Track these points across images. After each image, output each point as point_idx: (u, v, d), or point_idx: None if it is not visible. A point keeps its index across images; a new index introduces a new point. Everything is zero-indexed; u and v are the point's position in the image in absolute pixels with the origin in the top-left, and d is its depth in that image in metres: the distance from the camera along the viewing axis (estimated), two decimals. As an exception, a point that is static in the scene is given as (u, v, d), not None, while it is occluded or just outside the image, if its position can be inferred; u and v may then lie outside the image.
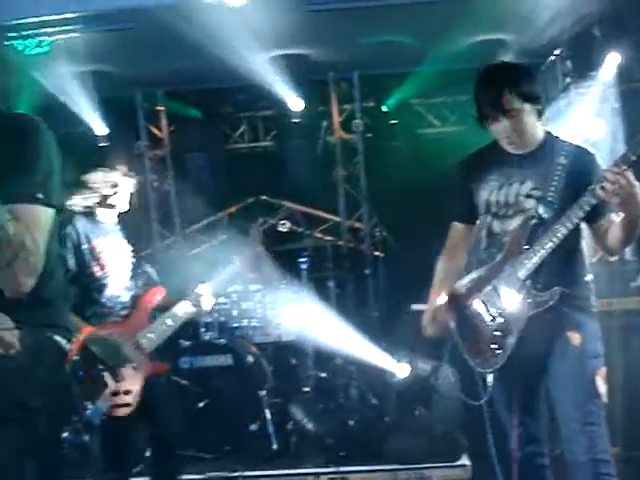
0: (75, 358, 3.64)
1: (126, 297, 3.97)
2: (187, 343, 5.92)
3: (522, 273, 3.08)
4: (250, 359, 5.78)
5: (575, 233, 3.06)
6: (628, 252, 5.38)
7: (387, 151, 7.67)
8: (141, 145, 7.56)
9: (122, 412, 3.78)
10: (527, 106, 3.09)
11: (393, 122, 7.77)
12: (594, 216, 3.04)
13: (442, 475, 4.93)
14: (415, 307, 3.46)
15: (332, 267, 6.69)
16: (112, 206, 4.00)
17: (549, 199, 3.07)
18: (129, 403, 3.80)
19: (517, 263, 3.10)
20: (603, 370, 3.08)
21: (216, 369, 5.74)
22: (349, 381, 6.03)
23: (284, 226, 6.21)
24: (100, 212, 3.99)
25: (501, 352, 3.11)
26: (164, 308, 4.07)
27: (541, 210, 3.08)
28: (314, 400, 5.75)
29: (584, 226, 3.14)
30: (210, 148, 7.69)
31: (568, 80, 6.63)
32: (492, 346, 3.14)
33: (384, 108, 7.64)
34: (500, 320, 3.13)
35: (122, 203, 4.04)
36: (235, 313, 6.11)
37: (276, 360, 6.12)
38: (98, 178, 3.94)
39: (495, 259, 3.20)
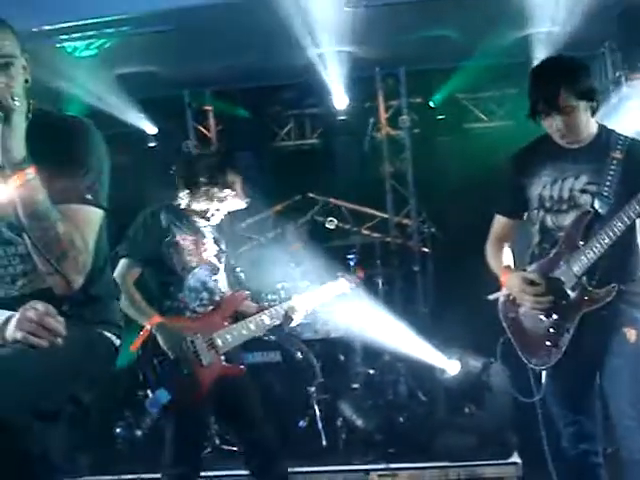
0: (139, 346, 3.70)
1: (207, 296, 3.92)
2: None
3: (577, 269, 3.04)
4: (299, 355, 5.81)
5: (630, 228, 3.00)
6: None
7: (434, 146, 7.64)
8: (189, 144, 7.64)
9: (184, 406, 3.72)
10: (582, 103, 3.05)
11: (440, 117, 7.73)
12: None
13: (493, 472, 4.90)
14: (491, 297, 3.40)
15: (380, 264, 6.68)
16: (207, 216, 4.01)
17: (605, 194, 3.03)
18: (192, 399, 3.74)
19: (572, 259, 3.07)
20: (660, 366, 3.03)
21: (265, 365, 5.77)
22: (398, 378, 6.03)
23: (331, 223, 6.22)
24: (194, 212, 3.99)
25: (555, 349, 3.08)
26: (244, 313, 4.03)
27: (597, 205, 3.04)
28: (363, 396, 5.76)
29: (638, 221, 3.08)
30: (257, 146, 7.73)
31: (619, 73, 6.52)
32: (546, 343, 3.11)
33: (431, 103, 7.60)
34: (555, 317, 3.10)
35: (218, 217, 4.06)
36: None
37: (324, 356, 6.13)
38: (214, 190, 3.95)
39: (549, 255, 3.16)
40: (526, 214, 3.31)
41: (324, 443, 5.55)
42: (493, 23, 6.19)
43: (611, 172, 3.04)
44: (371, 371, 6.08)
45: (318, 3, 5.75)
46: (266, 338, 5.89)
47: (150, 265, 3.84)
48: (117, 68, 6.58)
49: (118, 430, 5.72)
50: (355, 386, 5.89)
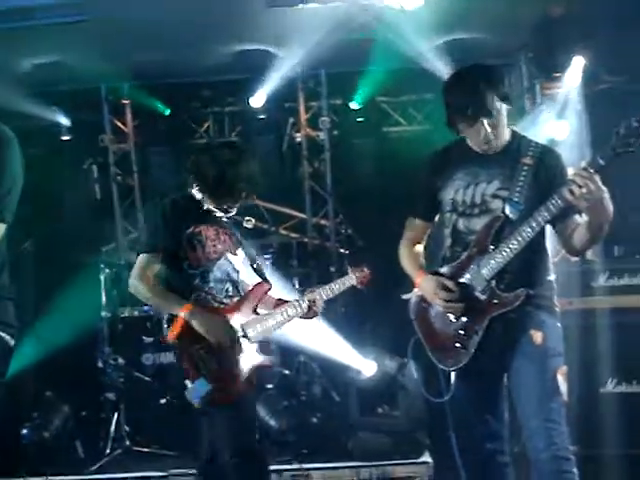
0: (175, 336, 3.51)
1: (232, 287, 3.74)
2: (150, 339, 5.88)
3: (487, 273, 3.10)
4: (213, 356, 5.74)
5: (540, 234, 3.07)
6: (589, 252, 5.45)
7: (353, 149, 7.69)
8: (105, 138, 7.49)
9: (222, 400, 3.53)
10: (503, 107, 3.12)
11: (360, 120, 7.78)
12: (559, 217, 3.06)
13: (404, 472, 4.95)
14: (405, 296, 3.41)
15: (297, 264, 6.68)
16: (225, 208, 3.83)
17: (515, 199, 3.09)
18: (232, 388, 3.56)
19: (482, 263, 3.12)
20: (564, 368, 3.11)
21: (174, 367, 5.70)
22: (312, 378, 6.05)
23: (249, 222, 6.15)
24: (211, 204, 3.80)
25: (464, 351, 3.13)
26: (267, 305, 3.88)
27: (508, 210, 3.10)
28: (277, 397, 5.74)
29: (548, 227, 3.15)
30: (175, 143, 7.62)
31: (534, 81, 6.69)
32: (456, 345, 3.15)
33: (351, 106, 7.64)
34: (464, 319, 3.15)
35: (234, 210, 3.88)
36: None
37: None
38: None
39: (460, 258, 3.21)
40: (438, 217, 3.35)
41: (237, 444, 5.51)
42: (414, 28, 6.28)
43: (522, 178, 3.11)
44: (286, 372, 6.07)
45: (241, 1, 5.71)
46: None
47: (171, 258, 3.64)
48: (33, 58, 6.40)
49: (25, 431, 5.57)
50: (269, 387, 5.87)
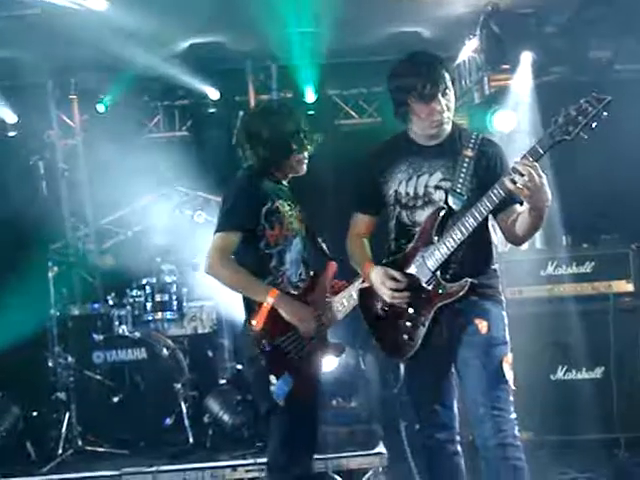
0: (262, 325, 3.21)
1: (304, 269, 3.43)
2: (100, 337, 5.81)
3: (432, 264, 3.11)
4: (165, 352, 5.72)
5: (483, 223, 3.09)
6: (538, 241, 5.53)
7: (305, 142, 7.65)
8: (52, 134, 7.37)
9: (307, 389, 3.30)
10: (452, 93, 3.17)
11: (311, 113, 7.76)
12: (500, 207, 3.08)
13: (359, 463, 4.95)
14: (360, 286, 3.32)
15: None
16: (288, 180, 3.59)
17: (458, 190, 3.11)
18: (314, 381, 3.35)
19: (427, 254, 3.13)
20: (509, 356, 3.14)
21: (130, 363, 5.66)
22: (266, 372, 6.01)
23: (200, 217, 6.14)
24: (282, 175, 3.55)
25: (412, 342, 3.14)
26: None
27: (451, 201, 3.13)
28: (231, 392, 5.71)
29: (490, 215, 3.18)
30: (124, 137, 7.52)
31: (481, 74, 6.74)
32: (403, 336, 3.16)
33: (302, 99, 7.62)
34: (411, 311, 3.16)
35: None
36: (149, 306, 6.01)
37: (192, 353, 6.07)
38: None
39: (405, 250, 3.22)
40: (382, 210, 3.35)
41: (191, 440, 5.49)
42: (363, 21, 6.29)
43: (464, 169, 3.13)
44: (239, 366, 6.04)
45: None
46: (130, 335, 5.78)
47: (248, 237, 3.32)
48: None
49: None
50: (223, 382, 5.85)
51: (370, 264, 3.30)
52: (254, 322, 3.25)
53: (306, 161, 3.57)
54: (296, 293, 3.36)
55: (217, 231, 3.33)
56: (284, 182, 3.56)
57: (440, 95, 3.10)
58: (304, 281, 3.42)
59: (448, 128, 3.23)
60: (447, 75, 3.12)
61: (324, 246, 3.63)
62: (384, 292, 3.18)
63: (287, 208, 3.42)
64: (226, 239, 3.29)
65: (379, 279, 3.19)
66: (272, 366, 3.21)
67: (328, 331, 3.46)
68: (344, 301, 3.43)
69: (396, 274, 3.16)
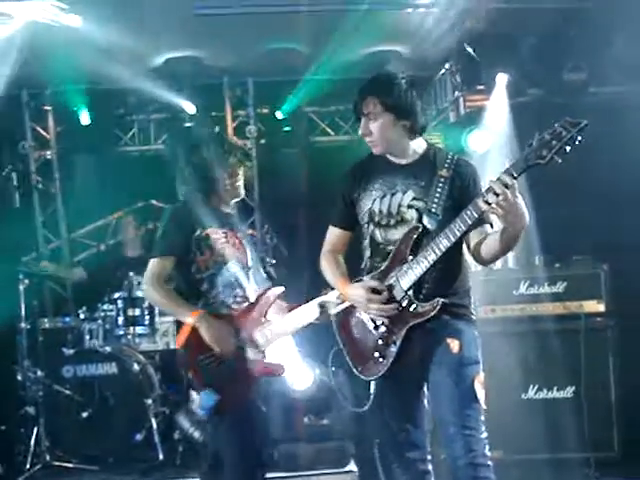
0: (184, 343, 3.39)
1: (241, 292, 3.63)
2: (70, 351, 5.76)
3: (405, 283, 3.12)
4: (136, 367, 5.67)
5: (457, 244, 3.09)
6: (511, 261, 5.56)
7: (280, 158, 7.67)
8: (26, 145, 7.32)
9: (232, 406, 3.43)
10: (388, 116, 3.19)
11: (287, 129, 7.78)
12: (472, 228, 3.08)
13: (329, 481, 4.94)
14: (338, 309, 3.38)
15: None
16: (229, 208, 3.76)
17: (433, 210, 3.13)
18: (240, 398, 3.47)
19: (400, 273, 3.14)
20: (481, 376, 3.14)
21: (100, 378, 5.61)
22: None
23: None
24: (218, 202, 3.72)
25: (383, 360, 3.14)
26: (278, 310, 3.73)
27: (426, 221, 3.14)
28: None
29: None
30: (99, 150, 7.48)
31: (457, 94, 6.80)
32: (375, 354, 3.17)
33: (278, 115, 7.64)
34: (383, 329, 3.16)
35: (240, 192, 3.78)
36: (121, 320, 5.96)
37: (163, 368, 6.02)
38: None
39: (379, 268, 3.22)
40: (356, 227, 3.37)
41: (161, 457, 5.44)
42: (341, 39, 6.32)
43: (439, 189, 3.15)
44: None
45: (167, 6, 5.66)
46: (101, 349, 5.72)
47: (181, 263, 3.55)
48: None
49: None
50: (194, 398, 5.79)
51: (346, 280, 3.31)
52: (178, 340, 3.48)
53: (239, 184, 3.74)
54: (227, 313, 3.54)
55: (151, 257, 3.58)
56: (225, 208, 3.74)
57: (362, 117, 3.22)
58: (240, 303, 3.61)
59: (419, 149, 3.27)
60: (376, 101, 3.17)
61: (271, 270, 3.96)
62: (372, 307, 3.16)
63: (219, 235, 3.61)
64: (158, 264, 3.54)
65: (362, 295, 3.18)
66: (193, 382, 3.40)
67: (275, 349, 3.65)
68: (290, 322, 3.66)
69: (378, 285, 3.16)
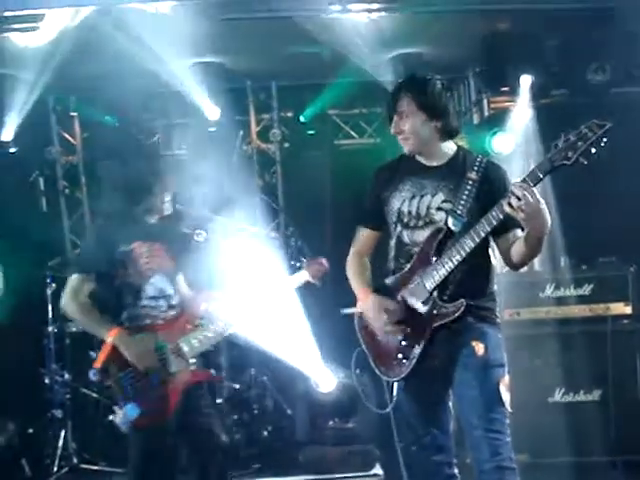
0: (103, 361, 3.53)
1: (166, 303, 3.74)
2: (97, 355, 5.78)
3: (429, 284, 3.12)
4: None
5: (482, 246, 3.10)
6: (537, 263, 5.53)
7: (304, 161, 7.68)
8: (53, 151, 7.39)
9: (154, 423, 3.54)
10: (422, 115, 3.20)
11: (310, 133, 7.80)
12: (500, 231, 3.10)
13: (355, 484, 4.95)
14: (346, 311, 3.43)
15: (249, 277, 6.63)
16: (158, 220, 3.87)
17: (458, 212, 3.12)
18: (163, 411, 3.56)
19: (425, 274, 3.14)
20: (506, 379, 3.12)
21: (127, 381, 5.62)
22: (264, 392, 6.01)
23: (200, 236, 6.13)
24: (144, 214, 3.83)
25: (407, 362, 3.14)
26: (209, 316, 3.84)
27: (450, 223, 3.13)
28: (228, 411, 5.70)
29: (490, 238, 3.18)
30: (124, 155, 7.53)
31: (481, 96, 6.79)
32: (398, 356, 3.16)
33: (302, 118, 7.65)
34: (407, 330, 3.16)
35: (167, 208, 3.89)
36: (148, 324, 5.98)
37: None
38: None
39: (404, 269, 3.22)
40: (384, 227, 3.37)
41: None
42: (363, 42, 6.32)
43: (466, 192, 3.14)
44: (236, 386, 6.03)
45: (192, 13, 5.69)
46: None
47: (104, 277, 3.67)
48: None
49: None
50: (219, 401, 5.82)
51: (366, 291, 3.33)
52: (97, 359, 3.60)
53: (167, 198, 3.86)
54: (152, 325, 3.65)
55: (70, 273, 3.70)
56: (151, 219, 3.83)
57: (394, 114, 3.23)
58: (165, 313, 3.71)
59: (449, 151, 3.28)
60: (411, 100, 3.19)
61: (200, 280, 3.92)
62: (378, 325, 3.22)
63: (144, 248, 3.69)
64: (77, 281, 3.65)
65: (374, 311, 3.22)
66: (115, 398, 3.53)
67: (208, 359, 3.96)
68: (217, 328, 3.75)
69: (390, 305, 3.19)
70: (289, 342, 5.58)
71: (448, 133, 3.26)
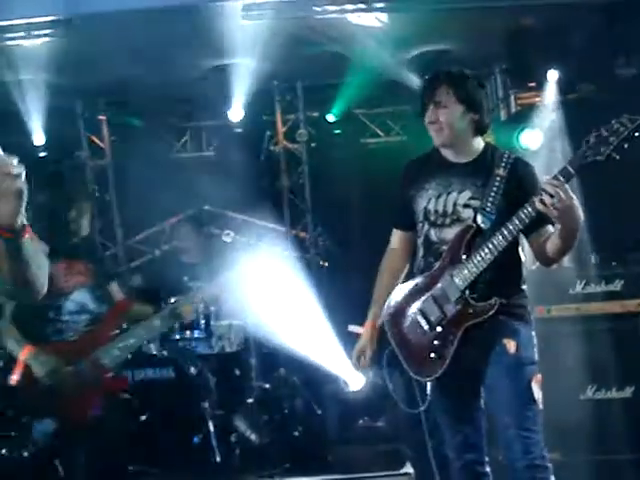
0: (17, 378, 3.64)
1: (87, 317, 3.92)
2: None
3: (460, 282, 3.11)
4: (192, 371, 5.72)
5: (513, 243, 3.09)
6: (566, 260, 5.48)
7: (331, 161, 7.69)
8: (82, 155, 7.46)
9: (72, 431, 3.69)
10: (460, 107, 3.18)
11: (337, 132, 7.80)
12: (532, 227, 3.08)
13: (385, 484, 4.94)
14: (351, 328, 3.46)
15: (277, 277, 6.65)
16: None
17: (487, 209, 3.11)
18: (79, 423, 3.72)
19: (455, 272, 3.13)
20: (539, 376, 3.11)
21: (158, 382, 5.66)
22: (293, 392, 6.02)
23: (228, 236, 6.17)
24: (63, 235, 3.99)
25: (440, 361, 3.12)
26: (135, 321, 4.03)
27: (479, 220, 3.12)
28: (258, 411, 5.72)
29: (521, 236, 3.17)
30: (153, 158, 7.59)
31: (508, 92, 6.75)
32: (431, 355, 3.15)
33: (328, 118, 7.66)
34: (439, 329, 3.15)
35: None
36: (177, 324, 6.02)
37: (219, 372, 6.06)
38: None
39: (433, 268, 3.22)
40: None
41: (218, 459, 5.48)
42: (389, 39, 6.31)
43: (494, 189, 3.13)
44: (266, 385, 6.06)
45: (215, 15, 5.72)
46: (158, 354, 5.80)
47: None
48: (8, 74, 6.36)
49: (2, 451, 5.49)
50: (250, 401, 5.85)
51: (372, 320, 3.41)
52: (14, 376, 3.71)
53: (84, 222, 4.03)
54: (72, 339, 3.82)
55: None
56: (72, 240, 4.01)
57: (432, 104, 3.19)
58: (87, 326, 3.91)
59: (478, 147, 3.27)
60: (451, 91, 3.17)
61: (114, 289, 4.13)
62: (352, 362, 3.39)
63: (63, 266, 3.85)
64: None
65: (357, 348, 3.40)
66: (32, 413, 3.64)
67: None
68: (139, 331, 4.01)
69: (369, 352, 3.36)
70: (315, 341, 5.61)
71: (481, 129, 3.26)
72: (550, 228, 3.10)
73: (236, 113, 7.25)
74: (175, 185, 7.11)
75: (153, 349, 5.90)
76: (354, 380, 5.63)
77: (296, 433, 5.70)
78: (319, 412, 6.02)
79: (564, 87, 6.21)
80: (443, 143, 3.24)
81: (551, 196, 2.83)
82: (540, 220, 3.04)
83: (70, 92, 6.93)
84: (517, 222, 2.99)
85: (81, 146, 7.49)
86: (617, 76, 6.06)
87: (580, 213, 2.92)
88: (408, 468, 5.04)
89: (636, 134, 2.77)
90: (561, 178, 2.87)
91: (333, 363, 5.62)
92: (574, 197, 2.88)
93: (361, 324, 3.49)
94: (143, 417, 5.65)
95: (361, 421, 5.61)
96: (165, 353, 5.80)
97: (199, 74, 6.87)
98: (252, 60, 6.73)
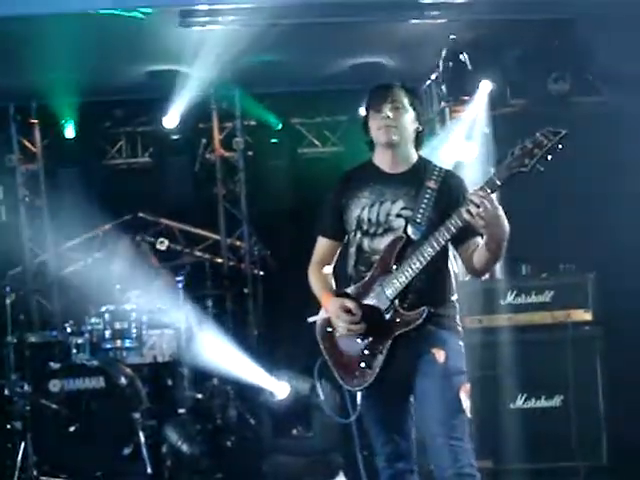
0: None
1: None
2: (57, 365, 5.72)
3: (390, 292, 3.12)
4: (123, 381, 5.63)
5: (443, 254, 3.12)
6: (498, 271, 5.57)
7: (268, 170, 7.69)
8: (13, 159, 7.30)
9: None
10: (412, 113, 3.23)
11: (274, 141, 7.80)
12: (461, 239, 3.12)
13: (318, 493, 4.94)
14: (312, 319, 3.41)
15: (210, 285, 6.63)
16: None
17: (417, 220, 3.14)
18: None
19: (385, 282, 3.14)
20: (467, 386, 3.14)
21: (88, 392, 5.56)
22: (226, 402, 5.99)
23: (162, 244, 6.11)
24: None
25: (370, 370, 3.13)
26: None
27: (410, 231, 3.15)
28: (190, 422, 5.66)
29: (451, 247, 3.21)
30: (86, 163, 7.48)
31: (443, 104, 6.83)
32: (361, 365, 3.15)
33: (265, 127, 7.66)
34: (369, 339, 3.15)
35: None
36: (108, 334, 5.93)
37: (151, 381, 5.99)
38: None
39: (364, 277, 3.22)
40: (344, 237, 3.37)
41: (149, 471, 5.41)
42: (325, 51, 6.35)
43: (425, 200, 3.16)
44: (199, 395, 6.00)
45: (154, 21, 5.66)
46: (88, 363, 5.70)
47: None
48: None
49: None
50: (182, 411, 5.78)
51: (328, 294, 3.31)
52: None
53: None
54: None
55: None
56: None
57: (387, 105, 3.18)
58: None
59: (412, 160, 3.29)
60: (404, 95, 3.21)
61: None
62: (339, 324, 3.19)
63: None
64: None
65: (335, 311, 3.20)
66: None
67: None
68: None
69: (351, 305, 3.17)
70: (235, 353, 5.62)
71: (420, 141, 3.31)
72: (478, 240, 3.14)
73: (172, 119, 7.19)
74: (109, 191, 7.01)
75: (83, 359, 5.80)
76: (279, 389, 5.64)
77: (229, 443, 5.66)
78: (252, 422, 5.99)
79: (496, 101, 6.32)
80: (390, 140, 3.22)
81: (477, 206, 2.88)
82: (468, 232, 3.08)
83: (1, 94, 6.78)
84: (445, 232, 3.02)
85: (13, 149, 7.31)
86: (549, 91, 6.19)
87: (506, 223, 2.97)
88: (341, 477, 5.05)
89: (559, 146, 2.83)
90: (487, 189, 2.92)
91: (258, 374, 5.64)
92: (499, 207, 2.93)
93: (302, 328, 3.47)
94: (72, 428, 5.55)
95: (295, 431, 5.61)
96: (95, 363, 5.70)
97: (136, 79, 6.79)
98: (189, 67, 6.68)
